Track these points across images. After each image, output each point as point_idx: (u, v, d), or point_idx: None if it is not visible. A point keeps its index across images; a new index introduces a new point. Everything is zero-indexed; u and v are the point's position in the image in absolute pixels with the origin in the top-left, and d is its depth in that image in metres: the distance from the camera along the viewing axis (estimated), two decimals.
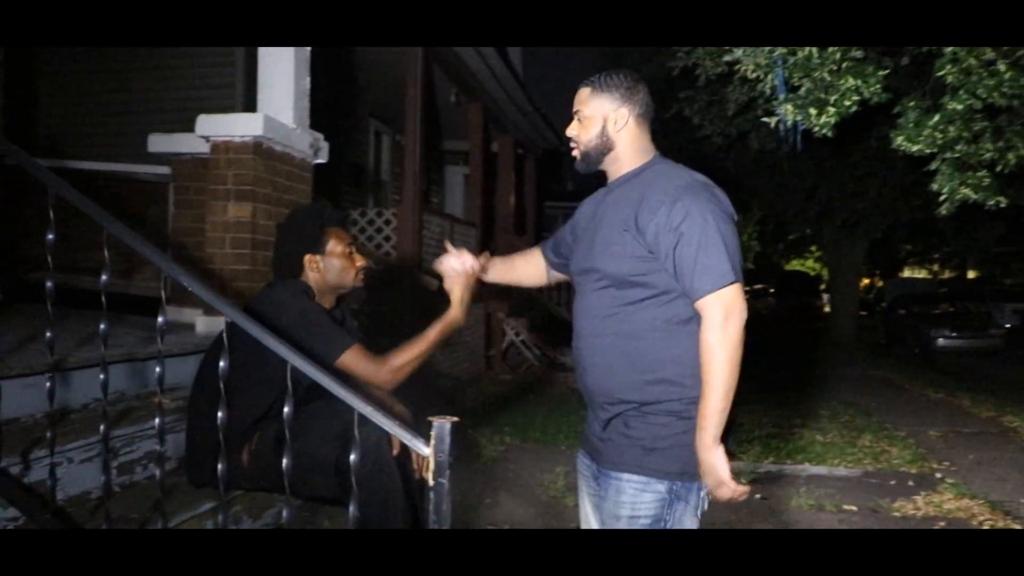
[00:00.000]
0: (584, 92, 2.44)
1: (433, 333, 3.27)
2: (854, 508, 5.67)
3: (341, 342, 3.13)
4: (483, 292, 12.45)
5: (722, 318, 2.14)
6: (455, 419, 2.65)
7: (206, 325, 4.74)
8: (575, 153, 2.48)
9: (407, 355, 3.23)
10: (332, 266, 3.37)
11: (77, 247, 5.07)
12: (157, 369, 2.29)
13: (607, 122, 2.39)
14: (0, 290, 5.76)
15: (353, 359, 3.10)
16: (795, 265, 47.85)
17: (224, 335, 2.20)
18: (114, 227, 2.29)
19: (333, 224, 3.42)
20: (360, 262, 3.44)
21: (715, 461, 2.16)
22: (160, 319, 2.32)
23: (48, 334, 2.48)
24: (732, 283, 2.16)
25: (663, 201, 2.23)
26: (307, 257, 3.34)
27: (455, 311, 3.20)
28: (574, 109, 2.46)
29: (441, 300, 10.60)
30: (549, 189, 26.69)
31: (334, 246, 3.37)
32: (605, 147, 2.41)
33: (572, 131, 2.48)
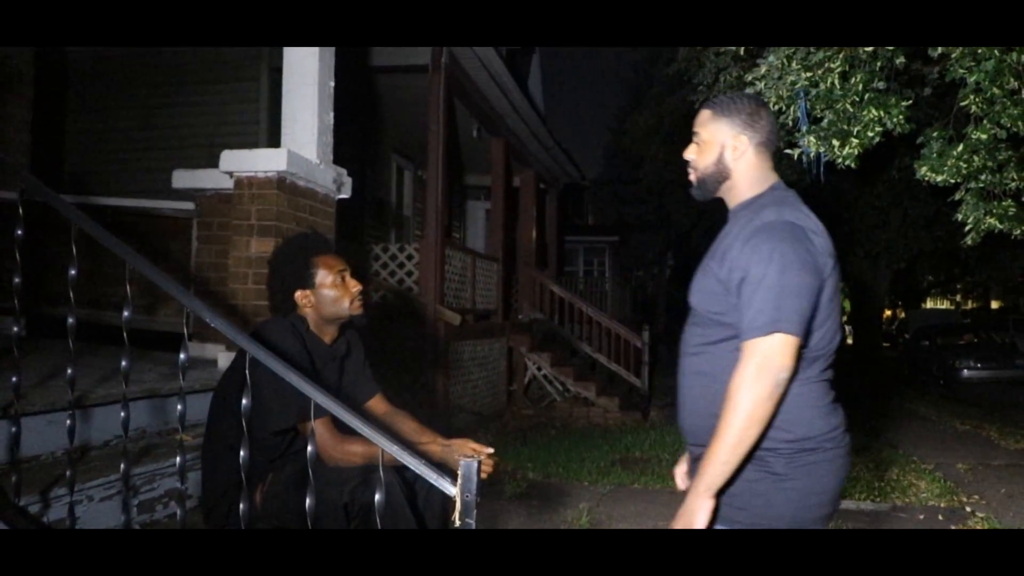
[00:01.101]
0: (704, 115, 2.33)
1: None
2: None
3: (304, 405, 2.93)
4: (505, 327, 12.44)
5: (755, 369, 1.99)
6: (482, 456, 2.61)
7: (228, 361, 4.73)
8: (691, 178, 2.38)
9: (367, 449, 2.91)
10: (324, 298, 3.23)
11: (104, 282, 5.11)
12: (179, 407, 2.27)
13: (725, 149, 2.28)
14: (24, 325, 5.79)
15: (317, 423, 2.82)
16: None
17: (247, 371, 2.17)
18: (136, 262, 2.28)
19: (320, 253, 3.30)
20: (355, 287, 3.29)
21: (696, 510, 2.06)
22: (183, 355, 2.31)
23: (69, 371, 2.47)
24: (779, 334, 1.99)
25: (740, 237, 2.14)
26: (297, 294, 3.23)
27: (436, 450, 3.02)
28: (693, 130, 2.35)
29: (462, 335, 10.48)
30: (570, 223, 26.78)
31: (323, 277, 3.23)
32: (721, 175, 2.31)
33: (690, 154, 2.37)
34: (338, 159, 5.55)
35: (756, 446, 2.04)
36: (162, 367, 4.40)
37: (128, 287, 2.36)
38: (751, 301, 2.04)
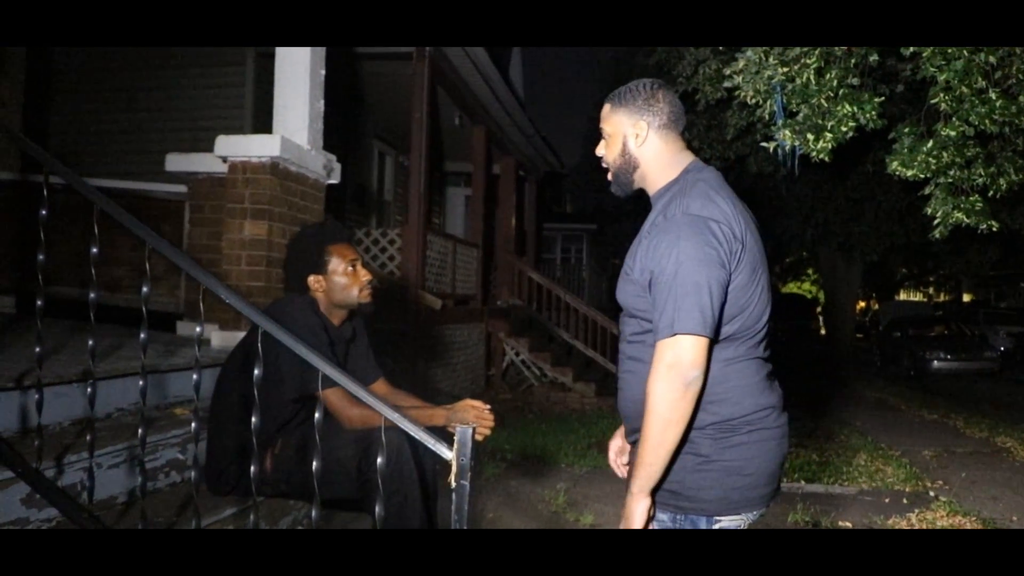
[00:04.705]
0: (605, 109, 2.31)
1: (414, 412, 3.11)
2: (849, 525, 5.79)
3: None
4: (484, 312, 12.59)
5: (664, 368, 1.99)
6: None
7: (221, 339, 4.88)
8: (608, 176, 2.37)
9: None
10: (335, 285, 3.38)
11: (90, 262, 5.22)
12: (194, 376, 2.42)
13: (627, 138, 2.26)
14: (14, 304, 5.91)
15: (333, 391, 3.08)
16: (792, 288, 48.00)
17: (259, 345, 2.32)
18: (159, 244, 2.43)
19: (334, 242, 3.43)
20: (365, 277, 3.43)
21: (632, 509, 2.07)
22: (198, 329, 2.46)
23: (91, 342, 2.62)
24: (685, 334, 1.98)
25: (645, 236, 2.15)
26: (310, 278, 3.38)
27: (442, 416, 3.13)
28: (600, 127, 2.33)
29: (443, 319, 10.56)
30: (549, 211, 26.90)
31: (336, 265, 3.38)
32: (629, 165, 2.28)
33: (600, 151, 2.36)
34: (323, 144, 5.68)
35: (684, 439, 2.05)
36: (156, 345, 4.52)
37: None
38: (656, 302, 2.05)
